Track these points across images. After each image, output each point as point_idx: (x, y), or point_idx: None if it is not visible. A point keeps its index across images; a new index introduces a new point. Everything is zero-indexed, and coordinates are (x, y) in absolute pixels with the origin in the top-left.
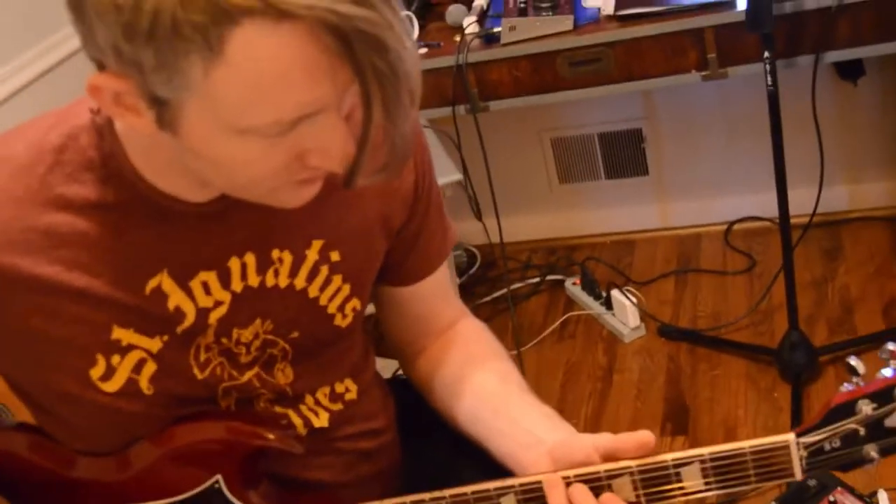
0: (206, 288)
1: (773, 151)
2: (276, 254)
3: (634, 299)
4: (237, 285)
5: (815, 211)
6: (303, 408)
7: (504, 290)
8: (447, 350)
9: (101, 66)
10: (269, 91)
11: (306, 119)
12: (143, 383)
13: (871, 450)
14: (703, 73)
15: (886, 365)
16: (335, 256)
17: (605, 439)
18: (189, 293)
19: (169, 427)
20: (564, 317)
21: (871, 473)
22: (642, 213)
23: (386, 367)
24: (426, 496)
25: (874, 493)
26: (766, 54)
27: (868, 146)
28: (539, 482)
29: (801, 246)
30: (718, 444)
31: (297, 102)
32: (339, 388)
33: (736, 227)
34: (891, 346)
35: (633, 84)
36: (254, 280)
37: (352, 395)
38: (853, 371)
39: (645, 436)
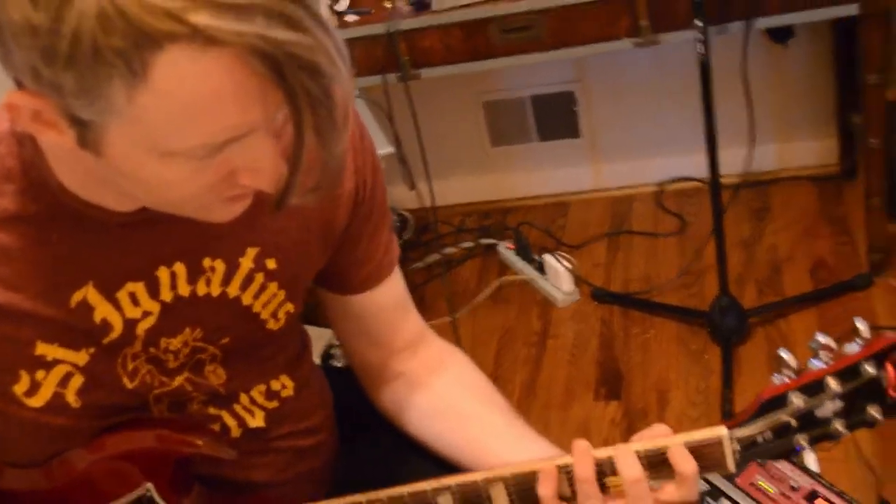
0: (134, 299)
1: (704, 117)
2: (207, 262)
3: (568, 264)
4: (166, 295)
5: (745, 172)
6: (237, 408)
7: (437, 256)
8: (430, 376)
9: (19, 84)
10: (196, 116)
11: (236, 141)
12: (71, 397)
13: (802, 439)
14: (635, 40)
15: (816, 356)
16: (271, 264)
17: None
18: (116, 305)
19: (98, 436)
20: (498, 282)
21: None
22: (575, 175)
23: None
24: (362, 498)
25: (800, 451)
26: (698, 23)
27: (797, 106)
28: (473, 480)
29: (731, 206)
30: (649, 440)
31: (225, 126)
32: (276, 385)
33: (668, 187)
34: (820, 337)
35: (566, 51)
36: (184, 289)
37: (288, 392)
38: (784, 364)
39: (662, 428)
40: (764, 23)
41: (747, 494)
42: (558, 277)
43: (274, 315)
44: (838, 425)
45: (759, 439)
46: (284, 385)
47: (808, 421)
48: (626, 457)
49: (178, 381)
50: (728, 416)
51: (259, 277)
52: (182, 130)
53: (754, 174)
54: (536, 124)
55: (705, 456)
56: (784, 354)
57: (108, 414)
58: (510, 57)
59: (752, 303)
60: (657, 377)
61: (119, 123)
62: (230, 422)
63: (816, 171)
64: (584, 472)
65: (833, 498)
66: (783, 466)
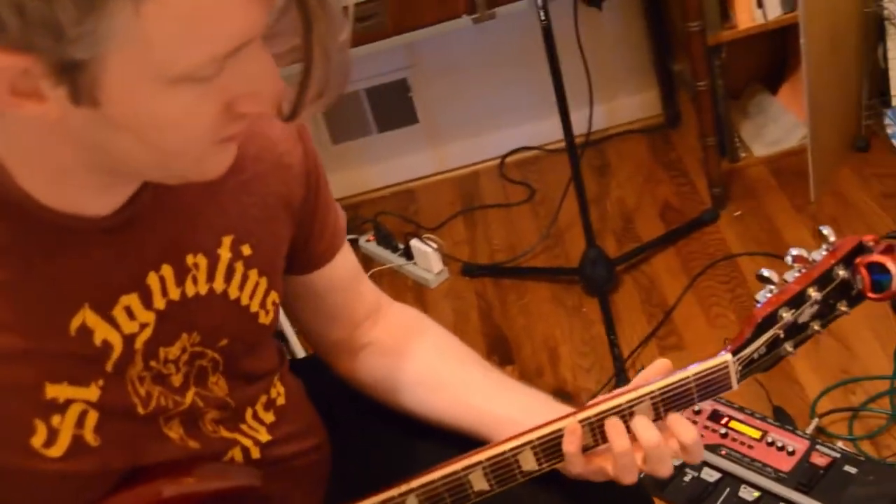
0: (130, 313)
1: (553, 81)
2: (190, 259)
3: (434, 244)
4: (160, 303)
5: (583, 133)
6: (245, 427)
7: None
8: (405, 344)
9: None
10: (204, 21)
11: (235, 56)
12: (89, 436)
13: (789, 346)
14: (474, 17)
15: (791, 269)
16: (246, 250)
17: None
18: (113, 323)
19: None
20: (367, 274)
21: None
22: (419, 161)
23: None
24: (394, 492)
25: None
26: None
27: (618, 65)
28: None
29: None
30: (662, 380)
31: (231, 31)
32: (273, 393)
33: (508, 159)
34: (794, 251)
35: (410, 35)
36: (174, 293)
37: (282, 400)
38: (767, 280)
39: (662, 364)
40: None
41: None
42: (427, 259)
43: (263, 306)
44: (816, 325)
45: (756, 356)
46: (279, 392)
47: (792, 329)
48: (642, 422)
49: (189, 397)
50: (618, 359)
51: (239, 267)
52: (190, 42)
53: (586, 134)
54: (374, 116)
55: (714, 381)
56: (766, 272)
57: (127, 447)
58: (356, 48)
59: (615, 253)
60: (543, 336)
61: (122, 50)
62: (246, 442)
63: (644, 124)
64: (572, 446)
65: (734, 413)
66: None
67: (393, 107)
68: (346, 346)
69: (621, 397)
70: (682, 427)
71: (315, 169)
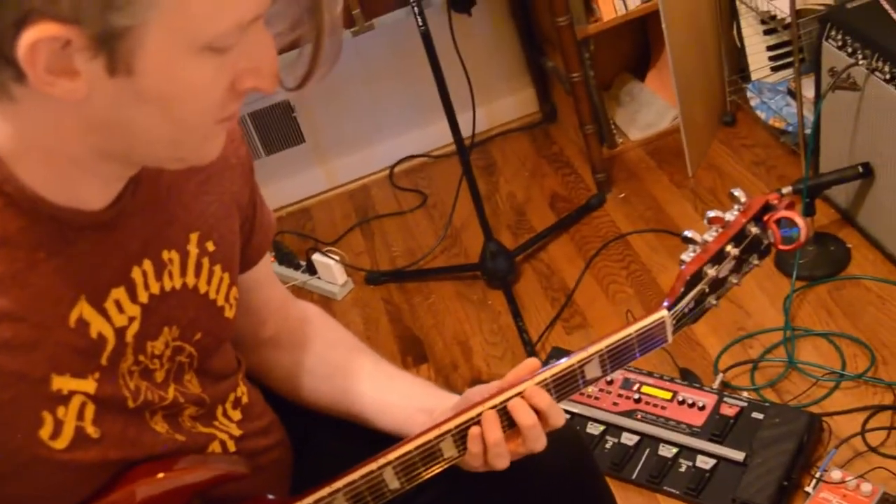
0: (119, 306)
1: (437, 85)
2: (166, 255)
3: (336, 257)
4: (143, 296)
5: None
6: (217, 423)
7: None
8: (305, 340)
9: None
10: None
11: (246, 31)
12: (90, 428)
13: (713, 299)
14: (353, 30)
15: (709, 229)
16: (210, 247)
17: (497, 383)
18: (106, 316)
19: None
20: None
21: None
22: (310, 179)
23: None
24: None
25: None
26: None
27: (493, 68)
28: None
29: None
30: (608, 336)
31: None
32: (239, 391)
33: (397, 168)
34: (710, 213)
35: (289, 53)
36: (154, 287)
37: (246, 399)
38: (690, 241)
39: (531, 362)
40: None
41: (575, 402)
42: (331, 272)
43: (227, 300)
44: (733, 279)
45: (686, 310)
46: (243, 391)
47: (715, 284)
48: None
49: (171, 392)
50: (528, 344)
51: (206, 263)
52: (220, 9)
53: (471, 137)
54: (260, 139)
55: (652, 336)
56: (689, 233)
57: (122, 439)
58: None
59: (512, 245)
60: (453, 332)
61: (162, 17)
62: (222, 436)
63: (524, 121)
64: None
65: (644, 379)
66: None
67: (278, 128)
68: (254, 341)
69: (552, 370)
70: (539, 396)
71: (250, 165)
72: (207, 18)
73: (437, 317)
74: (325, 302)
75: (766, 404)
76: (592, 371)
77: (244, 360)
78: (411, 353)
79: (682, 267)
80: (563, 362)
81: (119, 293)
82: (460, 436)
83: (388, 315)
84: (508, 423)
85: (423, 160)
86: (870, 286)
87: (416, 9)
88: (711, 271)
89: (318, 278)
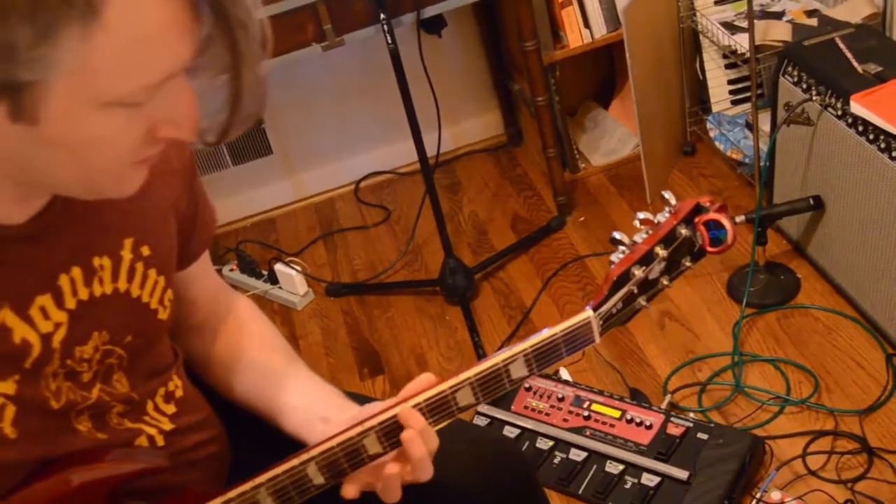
0: (45, 313)
1: (403, 102)
2: (97, 261)
3: (298, 267)
4: (70, 302)
5: (432, 155)
6: (147, 418)
7: None
8: (225, 328)
9: None
10: (142, 52)
11: (163, 86)
12: (8, 429)
13: (643, 300)
14: (323, 44)
15: (640, 231)
16: (146, 251)
17: (393, 398)
18: (30, 322)
19: (29, 489)
20: None
21: None
22: (275, 190)
23: None
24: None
25: (557, 371)
26: (383, 16)
27: (460, 89)
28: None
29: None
30: (530, 338)
31: (165, 63)
32: (171, 385)
33: (363, 184)
34: (641, 215)
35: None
36: (83, 293)
37: (180, 392)
38: (619, 242)
39: (426, 377)
40: (431, 11)
41: (526, 417)
42: (292, 282)
43: (161, 303)
44: (664, 280)
45: (614, 310)
46: (176, 385)
47: (644, 285)
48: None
49: (95, 392)
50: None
51: (140, 267)
52: (128, 71)
53: (436, 156)
54: (228, 149)
55: (578, 336)
56: (617, 235)
57: (41, 439)
58: None
59: (471, 262)
60: (410, 346)
61: (67, 73)
62: (151, 431)
63: (489, 143)
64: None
65: (595, 397)
66: (545, 384)
67: (247, 139)
68: (181, 326)
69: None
70: (413, 419)
71: (193, 168)
72: (113, 80)
73: (394, 330)
74: (286, 312)
75: (712, 425)
76: (518, 370)
77: (181, 351)
78: (368, 364)
79: (611, 267)
80: (484, 363)
81: (44, 300)
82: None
83: (347, 327)
84: (390, 443)
85: (388, 176)
86: (818, 315)
87: (385, 27)
88: (639, 272)
89: (280, 288)
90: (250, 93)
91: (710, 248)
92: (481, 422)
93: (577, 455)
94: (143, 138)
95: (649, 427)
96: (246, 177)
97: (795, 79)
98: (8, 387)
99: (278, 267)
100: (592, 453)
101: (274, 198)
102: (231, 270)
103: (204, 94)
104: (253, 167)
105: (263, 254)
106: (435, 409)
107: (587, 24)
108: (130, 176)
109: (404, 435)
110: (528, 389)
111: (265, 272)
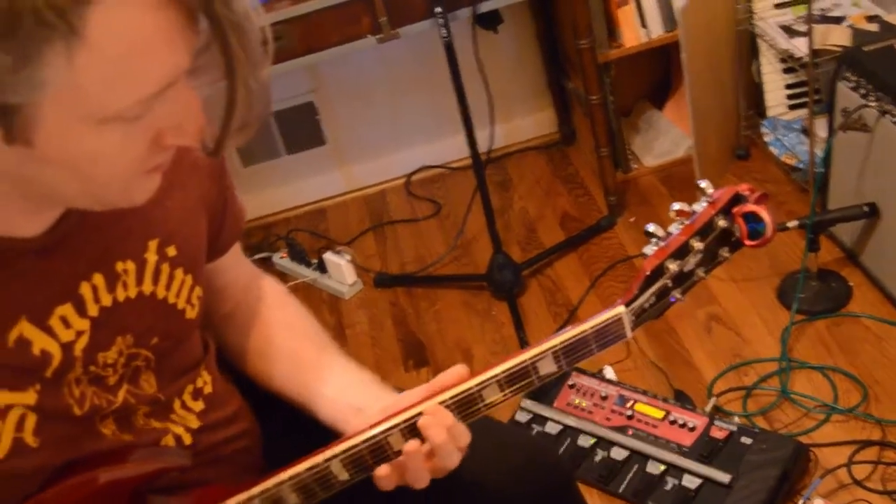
0: (66, 322)
1: (457, 96)
2: (120, 266)
3: (347, 256)
4: (93, 310)
5: (484, 151)
6: (174, 417)
7: None
8: (259, 315)
9: None
10: (132, 67)
11: (161, 96)
12: (29, 438)
13: (677, 293)
14: (378, 37)
15: (675, 222)
16: (172, 251)
17: (425, 386)
18: (50, 333)
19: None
20: None
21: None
22: (327, 181)
23: None
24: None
25: (601, 370)
26: (439, 10)
27: (515, 86)
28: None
29: None
30: (559, 334)
31: (157, 75)
32: (199, 382)
33: (414, 177)
34: (676, 205)
35: (316, 56)
36: (106, 299)
37: (209, 388)
38: (653, 235)
39: (458, 369)
40: (487, 5)
41: (569, 414)
42: (341, 272)
43: (189, 301)
44: (700, 272)
45: (646, 305)
46: (206, 381)
47: (679, 278)
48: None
49: (121, 395)
50: None
51: (165, 268)
52: (119, 86)
53: (487, 152)
54: (283, 138)
55: (609, 332)
56: (651, 227)
57: (65, 445)
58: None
59: (520, 259)
60: (456, 339)
61: (55, 96)
62: (178, 430)
63: (541, 141)
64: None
65: (638, 396)
66: (589, 382)
67: (301, 129)
68: (212, 317)
69: (497, 368)
70: (441, 414)
71: (223, 165)
72: (104, 97)
73: (441, 323)
74: (333, 301)
75: (756, 430)
76: (546, 367)
77: (212, 342)
78: (413, 356)
79: (644, 261)
80: (511, 361)
81: (65, 310)
82: (376, 447)
83: (394, 318)
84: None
85: (440, 171)
86: (868, 325)
87: (441, 20)
88: (673, 266)
89: (329, 277)
90: (249, 98)
91: (748, 242)
92: (523, 417)
93: (618, 454)
94: (149, 148)
95: (692, 429)
96: (299, 166)
97: (853, 84)
98: (28, 397)
99: (327, 256)
100: (634, 453)
101: (325, 188)
102: (281, 258)
103: (211, 98)
104: (306, 157)
105: (313, 243)
106: (462, 405)
107: (644, 24)
108: (141, 185)
109: (421, 422)
110: (572, 387)
111: (315, 261)
